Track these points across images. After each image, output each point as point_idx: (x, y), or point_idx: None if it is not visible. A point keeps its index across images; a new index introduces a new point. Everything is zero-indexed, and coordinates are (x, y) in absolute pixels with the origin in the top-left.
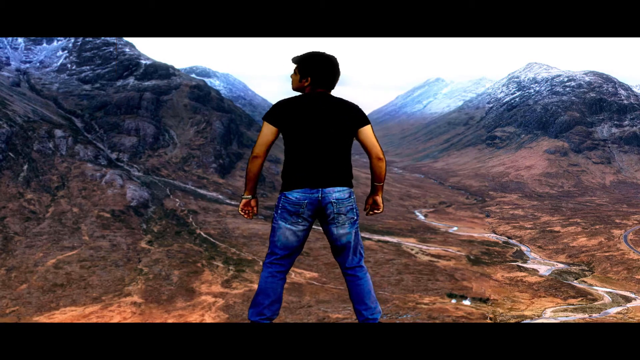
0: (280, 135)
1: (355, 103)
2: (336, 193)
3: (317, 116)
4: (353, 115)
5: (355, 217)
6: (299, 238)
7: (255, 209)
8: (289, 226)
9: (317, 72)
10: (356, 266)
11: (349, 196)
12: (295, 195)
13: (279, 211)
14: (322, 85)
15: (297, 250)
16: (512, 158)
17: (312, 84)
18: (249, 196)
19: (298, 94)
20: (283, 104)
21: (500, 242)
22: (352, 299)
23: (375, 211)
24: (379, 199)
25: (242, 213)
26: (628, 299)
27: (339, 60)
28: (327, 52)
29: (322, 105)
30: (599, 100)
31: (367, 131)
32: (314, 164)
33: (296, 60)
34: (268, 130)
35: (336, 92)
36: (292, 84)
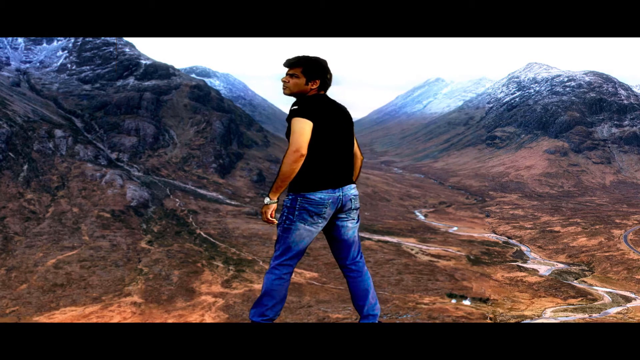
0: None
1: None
2: (352, 190)
3: (336, 117)
4: (350, 117)
5: (359, 213)
6: (312, 238)
7: (273, 212)
8: (308, 227)
9: (325, 74)
10: (359, 261)
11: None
12: (319, 195)
13: (297, 212)
14: (325, 87)
15: (305, 250)
16: (512, 158)
17: (320, 86)
18: (276, 200)
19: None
20: (310, 101)
21: (500, 242)
22: (354, 295)
23: None
24: None
25: (272, 220)
26: (628, 299)
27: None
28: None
29: (335, 107)
30: (599, 100)
31: (353, 133)
32: (337, 164)
33: (299, 62)
34: (309, 127)
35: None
36: (290, 87)
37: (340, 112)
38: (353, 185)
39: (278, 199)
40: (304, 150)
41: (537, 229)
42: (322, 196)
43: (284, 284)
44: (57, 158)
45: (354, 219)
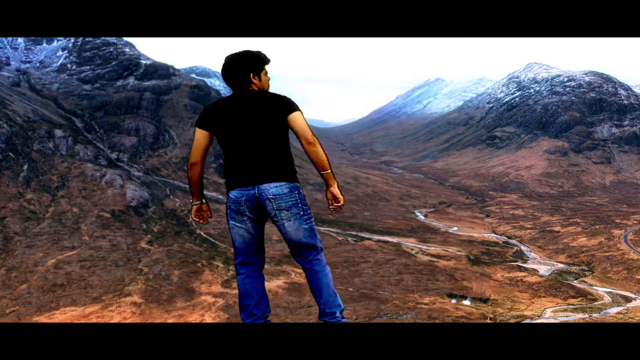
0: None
1: (284, 95)
2: (273, 189)
3: (240, 114)
4: (278, 105)
5: (302, 213)
6: (252, 235)
7: (208, 212)
8: (238, 224)
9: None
10: (313, 259)
11: (290, 191)
12: (234, 193)
13: (228, 211)
14: (234, 83)
15: (258, 246)
16: (512, 158)
17: (229, 84)
18: (198, 202)
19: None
20: (210, 107)
21: (500, 242)
22: (311, 290)
23: (337, 205)
24: (334, 190)
25: (197, 219)
26: (628, 299)
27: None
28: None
29: (243, 103)
30: (599, 100)
31: (296, 117)
32: (245, 162)
33: None
34: (200, 135)
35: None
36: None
37: (259, 105)
38: (276, 184)
39: (203, 200)
40: (193, 159)
41: (537, 229)
42: (236, 194)
43: (256, 281)
44: (57, 158)
45: (289, 220)
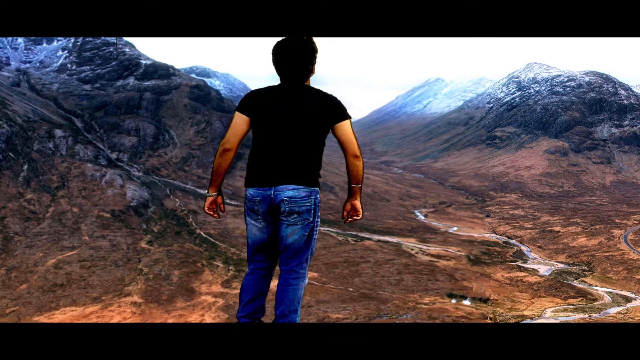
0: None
1: (335, 96)
2: (289, 191)
3: (290, 109)
4: (331, 110)
5: (311, 219)
6: (264, 234)
7: (222, 206)
8: (253, 222)
9: (273, 61)
10: (291, 270)
11: (307, 196)
12: (250, 191)
13: (245, 207)
14: (281, 76)
15: (269, 246)
16: (512, 158)
17: (278, 74)
18: (215, 193)
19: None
20: (255, 93)
21: (500, 242)
22: (275, 297)
23: (355, 217)
24: (357, 203)
25: (210, 212)
26: (628, 299)
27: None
28: (289, 37)
29: (296, 98)
30: (599, 100)
31: (344, 127)
32: (269, 161)
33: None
34: (240, 120)
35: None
36: None
37: (309, 104)
38: (294, 186)
39: (220, 191)
40: (228, 145)
41: (537, 229)
42: (252, 192)
43: (258, 280)
44: (57, 158)
45: (295, 224)
